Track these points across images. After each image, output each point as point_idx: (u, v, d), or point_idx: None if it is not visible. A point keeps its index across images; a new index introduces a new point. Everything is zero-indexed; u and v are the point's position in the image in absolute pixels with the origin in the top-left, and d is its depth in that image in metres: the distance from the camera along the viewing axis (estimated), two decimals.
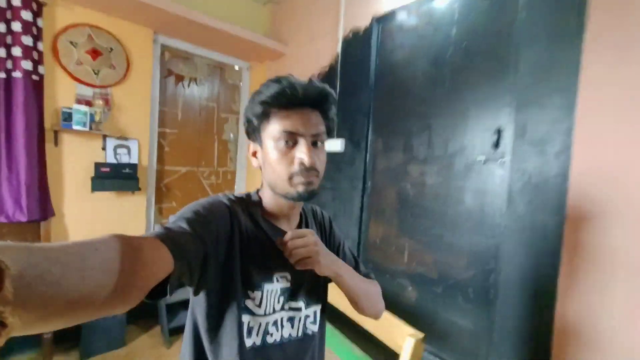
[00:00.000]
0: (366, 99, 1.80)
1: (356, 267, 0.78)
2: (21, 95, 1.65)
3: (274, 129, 0.58)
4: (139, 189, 2.07)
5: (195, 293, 0.58)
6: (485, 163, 1.29)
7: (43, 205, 1.76)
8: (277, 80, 0.57)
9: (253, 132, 0.63)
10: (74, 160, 1.89)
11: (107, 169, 1.95)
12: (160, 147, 2.30)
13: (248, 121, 0.63)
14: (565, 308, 1.01)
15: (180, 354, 0.67)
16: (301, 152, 0.57)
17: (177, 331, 2.03)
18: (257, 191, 0.69)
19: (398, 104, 1.65)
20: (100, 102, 1.91)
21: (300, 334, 0.68)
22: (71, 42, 1.83)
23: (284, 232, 0.64)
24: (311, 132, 0.58)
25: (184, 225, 0.49)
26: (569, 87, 1.02)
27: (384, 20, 1.75)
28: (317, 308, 0.72)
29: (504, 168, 1.22)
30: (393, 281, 1.63)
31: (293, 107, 0.58)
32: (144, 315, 2.17)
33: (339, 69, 1.99)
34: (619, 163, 0.92)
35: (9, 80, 1.64)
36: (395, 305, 1.44)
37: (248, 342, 0.60)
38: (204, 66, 2.50)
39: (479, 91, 1.32)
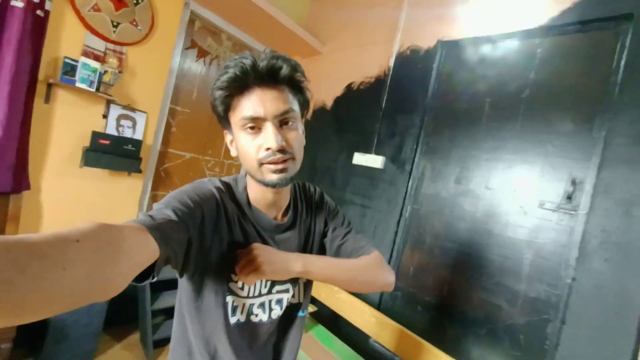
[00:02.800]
0: (419, 119, 1.73)
1: (346, 241, 0.74)
2: (17, 31, 1.28)
3: (236, 115, 0.55)
4: (140, 171, 1.73)
5: (180, 275, 0.58)
6: (555, 211, 1.28)
7: (18, 175, 1.37)
8: (229, 64, 0.53)
9: (222, 121, 0.60)
10: (65, 124, 1.52)
11: (107, 142, 1.60)
12: (167, 126, 1.98)
13: (214, 109, 0.58)
14: None
15: (172, 332, 0.68)
16: (267, 136, 0.54)
17: (162, 344, 1.73)
18: (245, 175, 0.66)
19: (458, 131, 1.60)
20: (114, 61, 1.57)
21: (287, 311, 0.69)
22: None
23: (268, 219, 0.65)
24: (274, 113, 0.54)
25: (169, 212, 0.48)
26: None
27: (450, 45, 1.70)
28: (301, 285, 0.72)
29: (576, 220, 1.22)
30: (427, 313, 1.56)
31: (250, 87, 0.53)
32: (123, 322, 1.82)
33: (388, 82, 1.90)
34: None
35: (4, 8, 1.26)
36: (426, 336, 1.36)
37: (232, 320, 0.62)
38: (229, 45, 2.23)
39: (557, 137, 1.32)
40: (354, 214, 1.92)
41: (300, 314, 0.73)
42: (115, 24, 1.57)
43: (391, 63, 1.90)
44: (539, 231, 1.31)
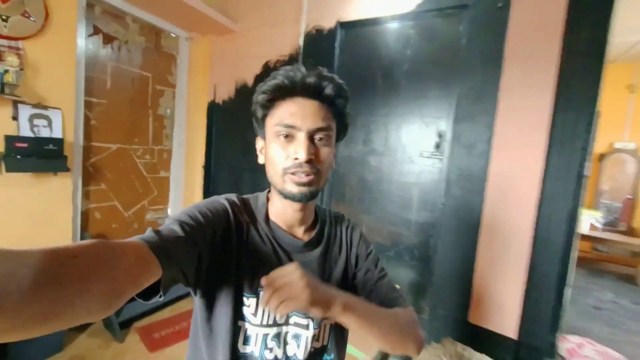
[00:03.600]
0: None
1: (379, 286, 0.66)
2: None
3: (273, 121, 0.56)
4: (67, 169, 1.73)
5: (195, 293, 0.57)
6: (429, 157, 1.74)
7: None
8: (284, 70, 0.56)
9: (259, 126, 0.61)
10: None
11: (24, 144, 1.57)
12: (86, 119, 1.94)
13: (253, 114, 0.61)
14: (480, 267, 1.56)
15: (188, 350, 0.65)
16: (297, 146, 0.54)
17: (127, 324, 1.88)
18: (268, 191, 0.66)
19: (360, 102, 1.94)
20: (13, 59, 1.49)
21: (306, 355, 0.59)
22: None
23: (289, 237, 0.61)
24: (310, 126, 0.54)
25: (176, 228, 0.47)
26: (490, 111, 1.53)
27: (347, 26, 1.97)
28: (327, 326, 0.63)
29: (442, 163, 1.70)
30: None
31: (292, 96, 0.55)
32: None
33: (300, 60, 2.12)
34: (514, 166, 1.47)
35: None
36: None
37: (243, 349, 0.57)
38: (136, 28, 2.16)
39: (427, 102, 1.74)
40: None
41: (326, 357, 0.63)
42: (4, 17, 1.47)
43: (300, 42, 2.11)
44: (421, 174, 1.77)
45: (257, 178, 2.30)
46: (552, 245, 1.40)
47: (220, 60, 2.52)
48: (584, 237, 3.24)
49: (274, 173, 0.57)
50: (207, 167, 2.59)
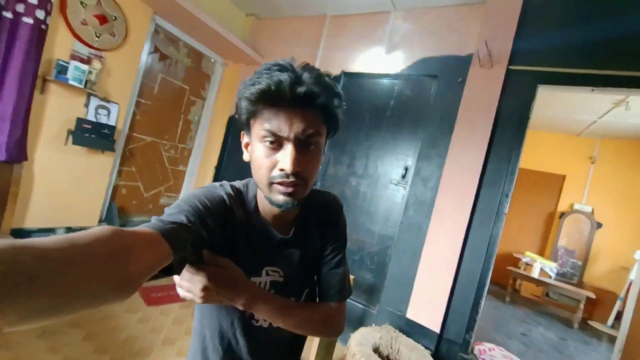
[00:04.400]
0: None
1: (328, 275, 0.70)
2: (26, 41, 1.70)
3: (259, 127, 0.54)
4: (114, 150, 2.22)
5: None
6: (397, 185, 2.21)
7: (20, 149, 1.79)
8: (268, 70, 0.50)
9: (243, 125, 0.59)
10: (56, 111, 1.94)
11: (89, 126, 2.06)
12: (133, 114, 2.45)
13: (238, 113, 0.58)
14: (420, 274, 1.98)
15: (194, 325, 0.70)
16: (284, 157, 0.52)
17: None
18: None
19: (350, 134, 2.45)
20: (98, 64, 2.02)
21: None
22: (81, 3, 1.91)
23: (275, 231, 0.64)
24: (299, 135, 0.52)
25: (180, 216, 0.48)
26: (442, 154, 2.02)
27: (349, 75, 2.53)
28: (305, 292, 0.70)
29: (405, 190, 2.17)
30: None
31: (280, 104, 0.51)
32: None
33: None
34: (453, 198, 1.94)
35: (16, 23, 1.67)
36: None
37: (252, 324, 0.64)
38: (185, 52, 2.74)
39: (400, 142, 2.24)
40: None
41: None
42: (98, 34, 2.02)
43: None
44: (389, 197, 2.23)
45: None
46: (474, 263, 1.83)
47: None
48: (540, 283, 3.62)
49: (259, 179, 0.56)
50: (218, 168, 3.08)
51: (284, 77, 0.49)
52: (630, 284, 3.28)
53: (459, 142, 1.98)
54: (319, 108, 0.54)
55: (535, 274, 3.55)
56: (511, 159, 1.83)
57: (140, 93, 2.46)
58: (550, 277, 3.64)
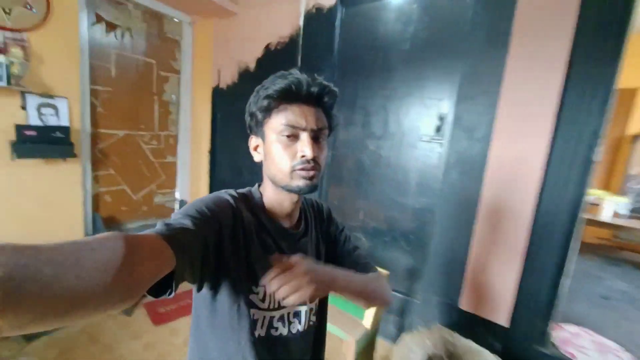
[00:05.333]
0: (329, 76, 1.97)
1: (354, 256, 0.77)
2: None
3: (277, 122, 0.59)
4: (75, 155, 1.82)
5: (199, 289, 0.58)
6: (429, 142, 1.67)
7: None
8: (283, 75, 0.59)
9: (256, 126, 0.64)
10: None
11: (33, 132, 1.66)
12: (92, 107, 2.01)
13: (252, 115, 0.64)
14: (475, 253, 1.51)
15: (189, 350, 0.69)
16: (303, 145, 0.58)
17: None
18: (259, 186, 0.70)
19: (359, 83, 1.88)
20: (17, 51, 1.55)
21: (305, 326, 0.69)
22: None
23: (284, 229, 0.67)
24: (313, 127, 0.59)
25: (186, 222, 0.49)
26: (493, 89, 1.43)
27: (348, 3, 1.89)
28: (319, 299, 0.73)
29: (442, 147, 1.63)
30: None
31: (296, 102, 0.59)
32: None
33: (300, 42, 2.07)
34: (516, 150, 1.39)
35: None
36: None
37: (255, 334, 0.62)
38: (138, 14, 2.18)
39: (429, 83, 1.65)
40: None
41: (315, 324, 0.73)
42: (7, 10, 1.52)
43: (301, 22, 2.05)
44: (421, 159, 1.71)
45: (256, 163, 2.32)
46: (551, 234, 1.33)
47: (223, 44, 2.50)
48: (604, 225, 3.04)
49: (277, 171, 0.60)
50: (213, 152, 2.64)
51: (302, 77, 0.58)
52: None
53: (517, 68, 1.37)
54: (323, 107, 0.63)
55: (605, 215, 2.96)
56: (603, 81, 1.22)
57: (93, 79, 1.99)
58: (622, 216, 3.04)
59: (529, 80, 1.34)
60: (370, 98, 1.85)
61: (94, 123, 2.03)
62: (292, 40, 2.12)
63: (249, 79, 2.38)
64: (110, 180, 2.17)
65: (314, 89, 0.59)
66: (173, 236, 0.43)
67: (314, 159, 0.59)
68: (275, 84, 0.58)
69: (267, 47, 2.26)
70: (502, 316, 1.44)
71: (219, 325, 0.62)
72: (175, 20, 2.41)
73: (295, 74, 0.59)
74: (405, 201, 1.77)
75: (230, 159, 2.54)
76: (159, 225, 0.46)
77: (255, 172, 2.32)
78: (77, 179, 1.92)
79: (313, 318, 0.71)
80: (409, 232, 1.77)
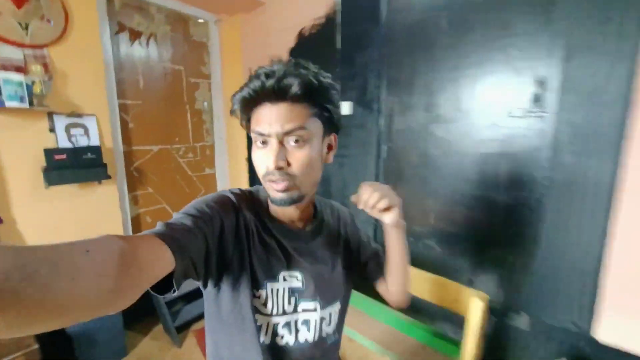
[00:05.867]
0: (377, 53, 1.63)
1: (378, 257, 0.77)
2: None
3: (252, 131, 0.56)
4: (109, 177, 1.69)
5: (204, 286, 0.58)
6: (523, 117, 1.26)
7: None
8: (250, 79, 0.53)
9: (248, 130, 0.60)
10: (13, 149, 1.44)
11: (63, 156, 1.54)
12: (123, 123, 1.88)
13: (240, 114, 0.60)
14: (615, 259, 1.07)
15: (206, 347, 0.68)
16: (267, 154, 0.54)
17: (184, 328, 1.84)
18: None
19: (417, 56, 1.51)
20: (37, 68, 1.43)
21: (316, 337, 0.65)
22: None
23: (290, 230, 0.64)
24: (279, 131, 0.52)
25: (187, 221, 0.48)
26: (626, 33, 0.99)
27: None
28: (334, 309, 0.68)
29: (546, 121, 1.20)
30: (418, 242, 1.62)
31: (261, 104, 0.53)
32: (142, 317, 1.92)
33: (339, 20, 1.76)
34: None
35: None
36: (422, 266, 1.42)
37: (261, 339, 0.60)
38: (162, 18, 2.03)
39: (516, 38, 1.24)
40: (331, 166, 1.91)
41: (332, 338, 0.69)
42: (23, 25, 1.41)
43: None
44: (511, 140, 1.30)
45: None
46: None
47: (252, 39, 2.28)
48: None
49: (259, 178, 0.58)
50: (250, 160, 2.43)
51: (256, 82, 0.51)
52: None
53: None
54: (299, 100, 0.52)
55: None
56: None
57: (121, 93, 1.86)
58: None
59: None
60: (434, 72, 1.47)
61: (126, 140, 1.91)
62: (329, 19, 1.82)
63: None
64: (149, 199, 2.04)
65: (271, 84, 0.50)
66: (171, 235, 0.42)
67: (280, 169, 0.53)
68: (238, 92, 0.55)
69: (300, 34, 1.98)
70: None
71: (225, 323, 0.60)
72: (200, 20, 2.23)
73: (263, 71, 0.51)
74: (493, 197, 1.37)
75: None
76: (159, 226, 0.45)
77: None
78: (114, 202, 1.79)
79: (328, 329, 0.67)
80: (499, 236, 1.36)
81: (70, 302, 0.27)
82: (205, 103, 2.32)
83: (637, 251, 1.03)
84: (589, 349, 1.15)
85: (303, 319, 0.63)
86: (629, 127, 1.01)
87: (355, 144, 1.79)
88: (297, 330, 0.63)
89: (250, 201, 0.62)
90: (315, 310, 0.64)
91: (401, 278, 0.71)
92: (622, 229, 1.05)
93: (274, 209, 0.63)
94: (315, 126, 0.55)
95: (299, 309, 0.63)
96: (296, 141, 0.53)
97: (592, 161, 1.09)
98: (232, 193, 0.61)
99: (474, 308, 1.02)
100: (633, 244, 1.04)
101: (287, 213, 0.63)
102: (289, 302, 0.62)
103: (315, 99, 0.54)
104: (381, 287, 0.78)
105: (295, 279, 0.62)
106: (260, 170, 0.56)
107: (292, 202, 0.56)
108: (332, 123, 0.59)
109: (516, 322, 1.33)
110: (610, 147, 1.05)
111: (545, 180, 1.21)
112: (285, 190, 0.54)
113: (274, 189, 0.55)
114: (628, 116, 1.01)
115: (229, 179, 2.46)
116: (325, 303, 0.65)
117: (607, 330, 1.11)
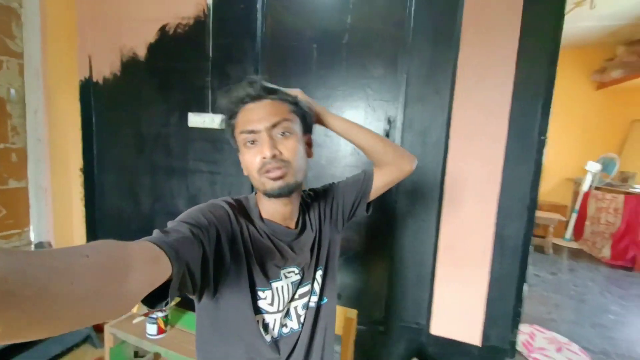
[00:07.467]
0: (252, 69, 1.59)
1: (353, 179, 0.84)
2: None
3: (239, 133, 0.60)
4: None
5: (199, 298, 0.58)
6: None
7: None
8: (230, 90, 0.62)
9: (234, 143, 0.65)
10: None
11: None
12: None
13: (227, 129, 0.65)
14: (441, 271, 1.38)
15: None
16: (260, 146, 0.58)
17: None
18: (255, 193, 0.70)
19: (290, 80, 1.56)
20: None
21: (307, 310, 0.70)
22: None
23: (283, 229, 0.67)
24: (267, 125, 0.58)
25: (183, 229, 0.48)
26: (445, 90, 1.32)
27: None
28: (319, 273, 0.73)
29: None
30: None
31: (245, 105, 0.60)
32: None
33: (210, 24, 1.62)
34: (474, 154, 1.30)
35: None
36: None
37: (267, 339, 0.63)
38: None
39: (373, 80, 1.45)
40: (202, 183, 1.73)
41: (321, 303, 0.73)
42: None
43: (209, 0, 1.60)
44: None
45: (160, 182, 1.75)
46: (512, 241, 1.28)
47: (95, 22, 1.82)
48: None
49: (252, 179, 0.61)
50: (88, 171, 1.90)
51: (241, 91, 0.61)
52: (584, 194, 3.35)
53: (469, 66, 1.28)
54: (279, 96, 0.62)
55: None
56: (546, 84, 1.22)
57: None
58: None
59: (481, 79, 1.27)
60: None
61: None
62: (199, 22, 1.65)
63: (137, 70, 1.78)
64: None
65: (254, 88, 0.60)
66: (169, 244, 0.42)
67: (276, 157, 0.58)
68: (221, 100, 0.63)
69: (162, 30, 1.72)
70: (475, 335, 1.34)
71: (223, 333, 0.62)
72: None
73: (239, 85, 0.61)
74: (357, 219, 1.54)
75: (120, 180, 1.86)
76: (155, 233, 0.45)
77: (158, 193, 1.76)
78: None
79: (314, 298, 0.71)
80: (363, 251, 1.54)
81: (67, 307, 0.26)
82: (13, 90, 1.68)
83: (453, 265, 1.36)
84: (428, 343, 1.42)
85: (302, 304, 0.69)
86: (447, 164, 1.33)
87: (228, 161, 1.68)
88: (298, 315, 0.68)
89: (243, 208, 0.65)
90: (308, 293, 0.70)
91: (378, 147, 0.75)
92: (442, 243, 1.37)
93: (267, 209, 0.66)
94: (296, 122, 0.63)
95: (297, 296, 0.68)
96: (283, 133, 0.59)
97: (424, 188, 1.39)
98: (225, 202, 0.63)
99: (347, 326, 1.09)
100: (451, 260, 1.36)
101: (279, 211, 0.65)
102: (289, 294, 0.66)
103: (289, 98, 0.63)
104: (381, 172, 0.79)
105: (293, 273, 0.67)
106: (254, 166, 0.59)
107: (289, 190, 0.60)
108: (306, 123, 0.66)
109: (378, 327, 1.52)
110: (435, 181, 1.36)
111: (393, 203, 1.45)
112: (282, 177, 0.58)
113: (270, 180, 0.58)
114: (443, 154, 1.33)
115: (52, 195, 1.85)
116: (314, 278, 0.71)
117: (437, 324, 1.41)
